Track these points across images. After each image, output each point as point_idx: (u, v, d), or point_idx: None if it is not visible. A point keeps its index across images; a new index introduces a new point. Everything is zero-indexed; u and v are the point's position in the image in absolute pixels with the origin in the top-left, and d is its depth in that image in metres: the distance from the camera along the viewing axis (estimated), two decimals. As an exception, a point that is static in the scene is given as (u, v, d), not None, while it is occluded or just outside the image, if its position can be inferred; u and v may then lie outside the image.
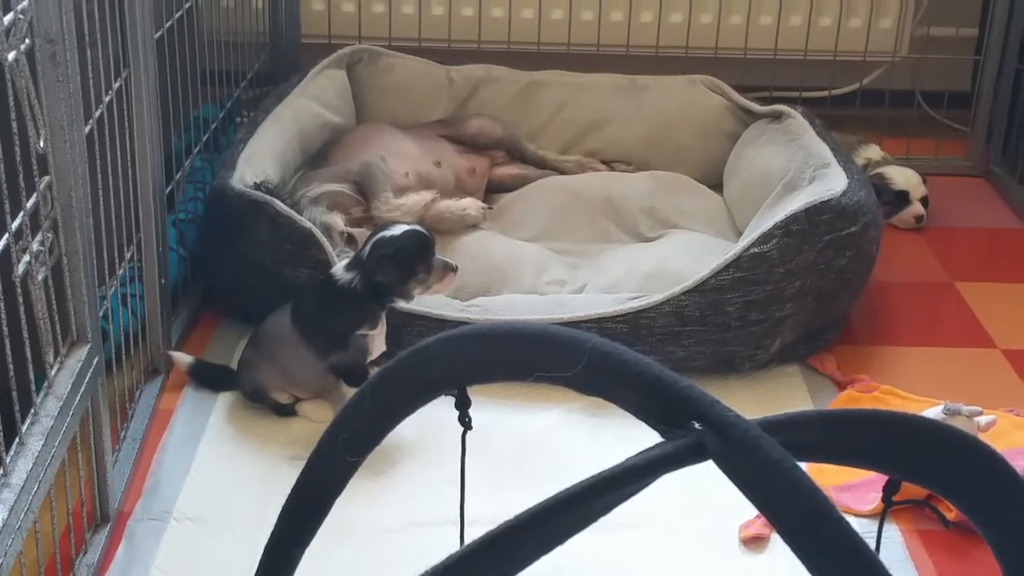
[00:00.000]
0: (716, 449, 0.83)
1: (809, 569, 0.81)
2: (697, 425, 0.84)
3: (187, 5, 2.14)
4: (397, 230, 1.86)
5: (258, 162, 2.21)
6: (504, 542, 0.80)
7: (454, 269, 1.90)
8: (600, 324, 1.99)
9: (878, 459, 0.91)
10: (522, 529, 0.81)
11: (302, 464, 1.06)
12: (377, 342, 1.89)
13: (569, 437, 1.87)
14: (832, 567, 0.79)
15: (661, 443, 0.85)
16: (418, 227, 1.89)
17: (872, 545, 1.00)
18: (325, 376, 1.90)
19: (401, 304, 1.91)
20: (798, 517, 0.79)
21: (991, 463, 0.95)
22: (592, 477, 0.83)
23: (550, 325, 0.96)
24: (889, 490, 0.98)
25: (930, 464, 0.92)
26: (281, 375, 1.90)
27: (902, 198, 2.71)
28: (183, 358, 1.99)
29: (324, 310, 1.87)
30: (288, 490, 1.06)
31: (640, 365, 0.88)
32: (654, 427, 0.87)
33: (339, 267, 1.88)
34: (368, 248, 1.85)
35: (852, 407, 1.97)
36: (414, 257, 1.85)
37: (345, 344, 1.86)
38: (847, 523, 0.78)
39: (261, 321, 1.95)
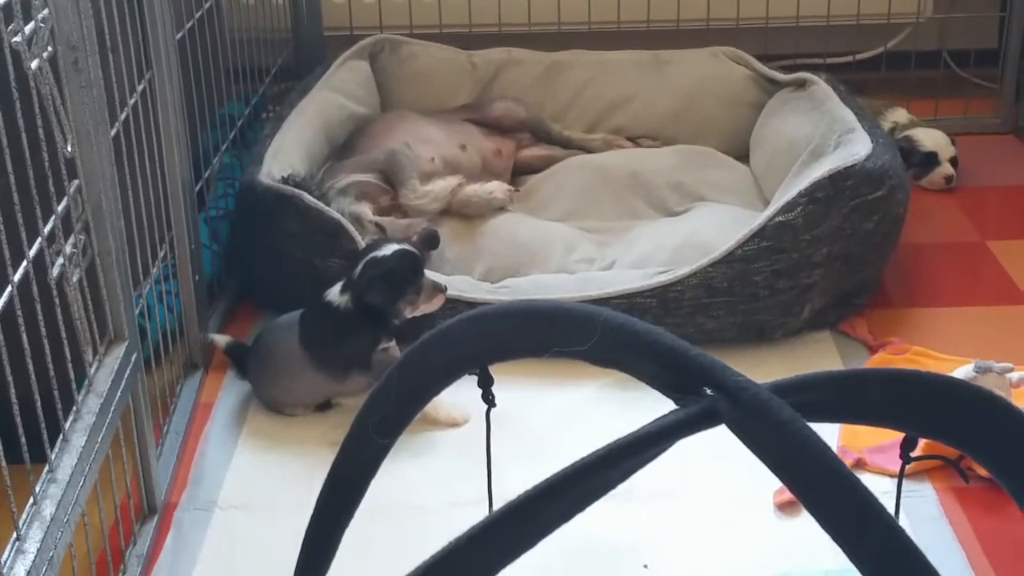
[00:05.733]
0: (728, 413, 0.85)
1: (824, 528, 0.83)
2: (709, 391, 0.86)
3: (207, 5, 2.17)
4: (388, 250, 1.86)
5: (285, 156, 2.24)
6: (525, 511, 0.83)
7: (443, 290, 1.90)
8: (629, 300, 2.01)
9: (891, 417, 0.93)
10: (542, 498, 0.83)
11: (342, 449, 1.08)
12: (394, 353, 1.88)
13: (603, 411, 1.89)
14: (846, 524, 0.81)
15: (675, 410, 0.88)
16: (408, 247, 1.88)
17: (892, 502, 1.02)
18: (332, 391, 1.92)
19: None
20: (810, 476, 0.80)
21: (1006, 416, 0.96)
22: (608, 445, 0.85)
23: (564, 302, 0.98)
24: (906, 447, 0.99)
25: (944, 420, 0.93)
26: (288, 394, 1.93)
27: (931, 159, 2.70)
28: (220, 338, 2.03)
29: (336, 335, 1.87)
30: (327, 475, 1.09)
31: (652, 335, 0.90)
32: (668, 395, 0.89)
33: (334, 291, 1.88)
34: (359, 268, 1.86)
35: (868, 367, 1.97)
36: (404, 279, 1.86)
37: (367, 363, 1.86)
38: (858, 480, 0.80)
39: (270, 331, 1.95)
